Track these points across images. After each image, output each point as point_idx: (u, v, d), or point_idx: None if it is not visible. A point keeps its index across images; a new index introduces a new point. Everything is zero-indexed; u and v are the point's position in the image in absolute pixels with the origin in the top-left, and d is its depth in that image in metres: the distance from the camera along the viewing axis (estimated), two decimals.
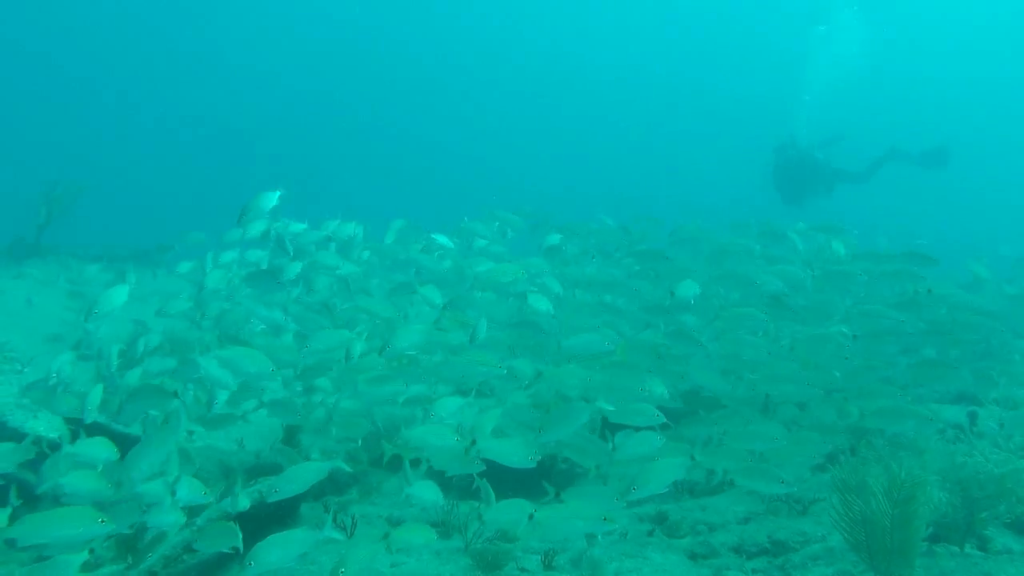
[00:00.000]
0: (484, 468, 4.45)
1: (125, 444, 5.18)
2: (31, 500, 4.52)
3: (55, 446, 5.56)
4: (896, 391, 5.40)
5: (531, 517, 3.91)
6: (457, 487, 5.50)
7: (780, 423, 5.44)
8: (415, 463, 4.69)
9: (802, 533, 4.59)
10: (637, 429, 4.76)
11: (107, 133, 38.94)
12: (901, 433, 5.63)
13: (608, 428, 4.96)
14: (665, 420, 4.83)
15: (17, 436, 5.30)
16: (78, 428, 5.71)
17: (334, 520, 5.05)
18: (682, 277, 6.42)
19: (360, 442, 6.36)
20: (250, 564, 3.56)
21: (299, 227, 7.07)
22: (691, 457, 4.63)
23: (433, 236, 7.47)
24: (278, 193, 6.76)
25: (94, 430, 5.84)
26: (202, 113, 41.13)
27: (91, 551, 3.87)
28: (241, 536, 3.97)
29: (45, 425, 5.64)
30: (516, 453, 4.42)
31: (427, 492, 4.52)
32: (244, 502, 4.44)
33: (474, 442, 4.48)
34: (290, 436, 6.48)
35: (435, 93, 45.52)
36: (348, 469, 5.67)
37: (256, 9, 41.44)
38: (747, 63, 42.22)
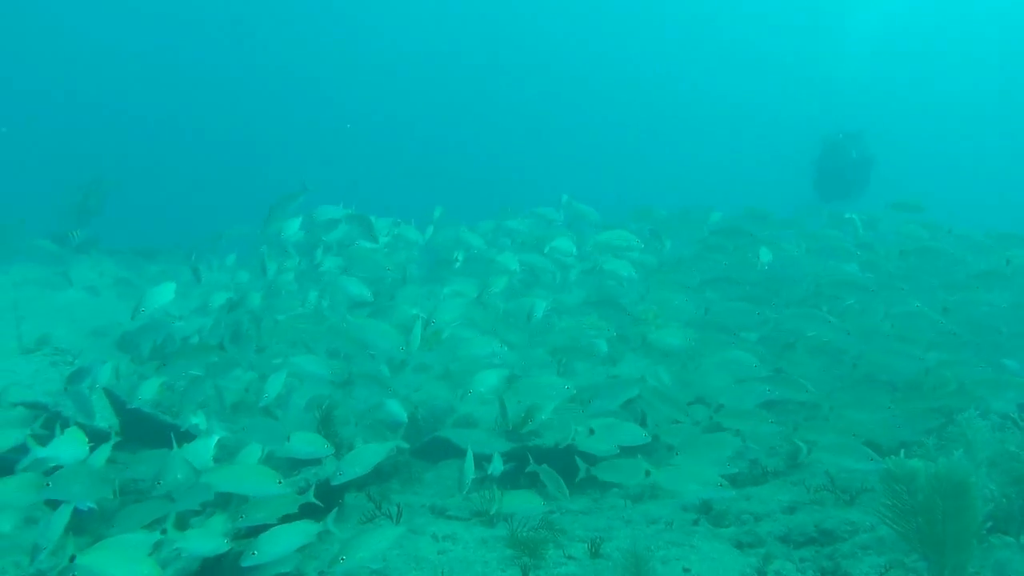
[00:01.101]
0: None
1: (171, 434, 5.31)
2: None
3: (103, 436, 5.70)
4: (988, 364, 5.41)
5: (647, 475, 4.11)
6: (500, 477, 5.51)
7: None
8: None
9: (850, 523, 4.54)
10: None
11: (125, 132, 39.44)
12: (949, 425, 5.56)
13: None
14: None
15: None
16: (128, 420, 5.88)
17: (378, 509, 5.16)
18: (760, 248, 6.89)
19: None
20: (253, 553, 3.63)
21: (339, 212, 7.17)
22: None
23: (504, 222, 7.76)
24: (303, 194, 6.92)
25: (141, 420, 6.00)
26: (219, 115, 41.61)
27: (163, 531, 3.96)
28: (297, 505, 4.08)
29: (96, 415, 5.75)
30: (631, 431, 4.58)
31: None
32: (329, 470, 4.56)
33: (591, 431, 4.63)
34: (325, 426, 6.56)
35: (445, 95, 45.51)
36: (407, 446, 5.75)
37: (283, 11, 41.77)
38: (753, 63, 41.96)
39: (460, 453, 6.10)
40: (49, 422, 5.51)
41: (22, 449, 4.46)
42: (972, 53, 39.02)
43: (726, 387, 5.02)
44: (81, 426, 5.73)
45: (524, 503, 4.35)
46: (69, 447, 4.17)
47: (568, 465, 4.75)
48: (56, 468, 4.11)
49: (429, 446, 6.58)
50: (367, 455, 4.34)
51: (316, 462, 4.98)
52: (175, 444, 4.25)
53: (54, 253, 11.77)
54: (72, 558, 3.24)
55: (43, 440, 4.70)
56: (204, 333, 6.68)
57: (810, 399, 5.12)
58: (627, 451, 4.67)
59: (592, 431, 4.42)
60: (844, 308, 6.36)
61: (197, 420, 5.00)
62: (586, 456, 4.58)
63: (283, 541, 3.73)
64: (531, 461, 4.87)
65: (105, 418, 5.77)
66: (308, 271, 7.15)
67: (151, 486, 4.15)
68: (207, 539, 3.70)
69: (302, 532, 3.81)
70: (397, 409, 5.71)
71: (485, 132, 44.30)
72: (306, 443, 4.49)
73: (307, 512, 4.13)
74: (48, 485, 3.87)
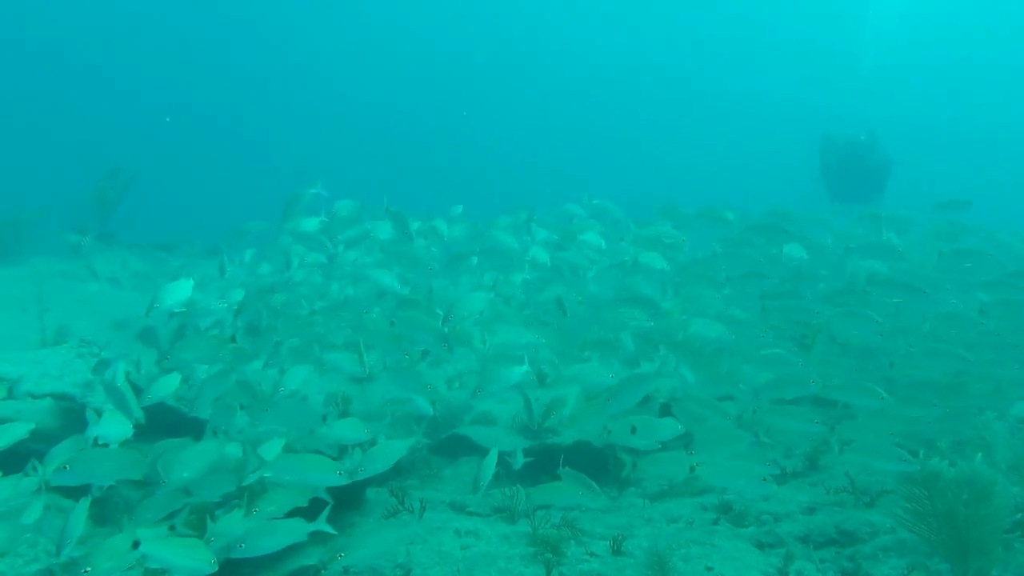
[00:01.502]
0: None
1: (192, 429, 5.37)
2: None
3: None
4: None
5: (692, 470, 4.10)
6: (519, 475, 5.55)
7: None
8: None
9: (870, 524, 4.55)
10: None
11: (141, 127, 39.66)
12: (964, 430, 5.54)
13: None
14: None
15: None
16: (152, 412, 5.93)
17: (401, 504, 5.20)
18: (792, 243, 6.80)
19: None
20: (240, 546, 3.70)
21: (351, 204, 7.21)
22: (755, 435, 4.70)
23: (532, 217, 8.03)
24: (316, 189, 6.98)
25: (163, 413, 6.05)
26: (233, 111, 41.81)
27: (172, 527, 4.01)
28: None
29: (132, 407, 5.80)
30: (668, 425, 4.60)
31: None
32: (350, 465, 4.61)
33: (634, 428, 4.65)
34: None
35: (461, 96, 45.63)
36: (427, 441, 5.78)
37: (302, 8, 41.97)
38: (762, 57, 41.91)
39: (478, 450, 6.15)
40: (64, 412, 5.61)
41: (31, 440, 4.57)
42: (996, 42, 38.72)
43: (769, 385, 5.03)
44: None
45: (559, 494, 4.36)
46: (115, 426, 4.39)
47: (592, 462, 4.77)
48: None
49: (447, 443, 6.63)
50: (389, 451, 4.36)
51: (335, 456, 5.01)
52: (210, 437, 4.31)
53: (73, 246, 11.88)
54: (136, 544, 3.30)
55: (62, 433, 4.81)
56: (222, 327, 6.73)
57: (881, 406, 5.03)
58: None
59: (634, 428, 4.43)
60: (883, 307, 6.27)
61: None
62: (629, 451, 4.60)
63: (271, 537, 3.80)
64: (560, 460, 4.89)
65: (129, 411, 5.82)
66: (328, 264, 7.20)
67: (157, 479, 4.20)
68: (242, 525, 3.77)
69: (290, 531, 3.86)
70: (422, 402, 5.73)
71: (498, 132, 44.36)
72: (348, 428, 4.55)
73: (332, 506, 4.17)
74: (66, 468, 3.91)
